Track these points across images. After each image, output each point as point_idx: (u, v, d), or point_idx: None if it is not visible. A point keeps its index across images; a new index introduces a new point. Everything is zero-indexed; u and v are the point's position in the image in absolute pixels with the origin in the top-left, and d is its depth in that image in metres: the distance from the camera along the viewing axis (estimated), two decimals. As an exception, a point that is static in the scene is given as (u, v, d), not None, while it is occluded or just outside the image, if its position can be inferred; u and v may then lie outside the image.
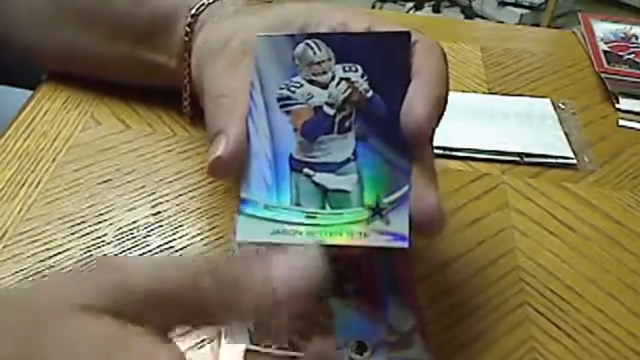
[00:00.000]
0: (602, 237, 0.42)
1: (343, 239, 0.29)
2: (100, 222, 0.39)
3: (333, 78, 0.31)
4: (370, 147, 0.31)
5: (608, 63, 0.59)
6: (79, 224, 0.39)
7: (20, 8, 0.47)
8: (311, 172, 0.31)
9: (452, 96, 0.53)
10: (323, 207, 0.30)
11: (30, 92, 0.49)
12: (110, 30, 0.45)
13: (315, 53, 0.32)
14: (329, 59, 0.32)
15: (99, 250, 0.37)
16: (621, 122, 0.54)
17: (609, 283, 0.39)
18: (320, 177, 0.30)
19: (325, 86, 0.31)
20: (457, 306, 0.37)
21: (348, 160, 0.31)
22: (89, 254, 0.37)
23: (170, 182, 0.42)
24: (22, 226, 0.38)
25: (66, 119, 0.46)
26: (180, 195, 0.41)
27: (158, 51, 0.43)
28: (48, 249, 0.37)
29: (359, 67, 0.31)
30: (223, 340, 0.32)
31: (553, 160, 0.48)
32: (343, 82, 0.31)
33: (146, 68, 0.44)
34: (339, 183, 0.30)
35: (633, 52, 0.60)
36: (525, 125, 0.51)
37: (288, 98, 0.32)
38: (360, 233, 0.29)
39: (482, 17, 2.66)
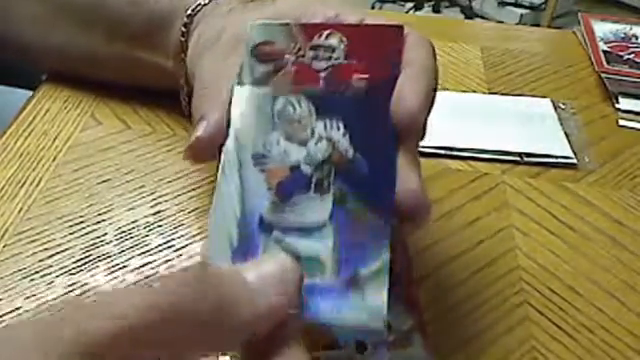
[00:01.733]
0: (602, 237, 0.42)
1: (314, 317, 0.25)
2: (100, 221, 0.39)
3: (313, 134, 0.30)
4: (349, 212, 0.28)
5: (608, 63, 0.59)
6: (79, 223, 0.39)
7: (19, 9, 0.47)
8: (281, 236, 0.28)
9: (452, 96, 0.54)
10: None
11: (30, 92, 0.49)
12: (107, 30, 0.45)
13: (295, 110, 0.30)
14: (310, 115, 0.30)
15: (99, 250, 0.37)
16: (621, 122, 0.54)
17: (609, 282, 0.39)
18: (291, 241, 0.28)
19: (304, 143, 0.30)
20: (457, 305, 0.37)
21: (324, 224, 0.28)
22: (89, 253, 0.37)
23: (170, 182, 0.42)
24: (22, 225, 0.38)
25: (66, 119, 0.46)
26: (180, 194, 0.41)
27: (155, 51, 0.43)
28: (48, 248, 0.37)
29: (341, 124, 0.30)
30: None
31: (553, 160, 0.48)
32: (324, 141, 0.30)
33: (143, 68, 0.44)
34: (312, 249, 0.27)
35: (633, 52, 0.60)
36: (525, 125, 0.51)
37: (263, 156, 0.30)
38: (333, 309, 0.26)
39: (482, 17, 2.66)
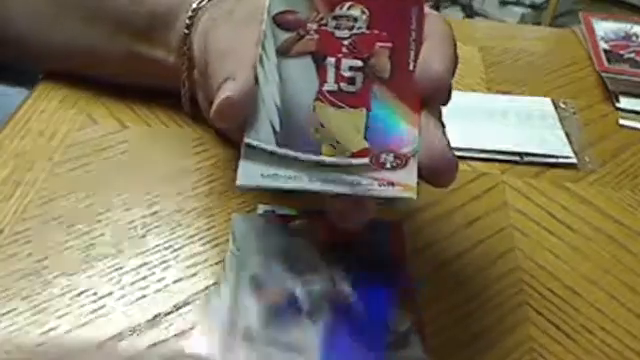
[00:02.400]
0: (602, 237, 0.42)
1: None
2: (97, 222, 0.39)
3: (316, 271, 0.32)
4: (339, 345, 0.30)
5: (609, 62, 0.58)
6: (76, 224, 0.38)
7: (20, 7, 0.47)
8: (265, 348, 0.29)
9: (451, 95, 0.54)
10: None
11: (27, 91, 0.48)
12: (110, 26, 0.45)
13: (314, 280, 0.32)
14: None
15: (96, 250, 0.37)
16: (621, 121, 0.53)
17: (609, 283, 0.39)
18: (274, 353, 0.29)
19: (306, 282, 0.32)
20: (456, 306, 0.36)
21: (312, 348, 0.30)
22: (86, 254, 0.37)
23: (167, 182, 0.42)
24: (18, 226, 0.38)
25: (63, 118, 0.46)
26: (177, 195, 0.41)
27: (157, 47, 0.43)
28: (45, 249, 0.37)
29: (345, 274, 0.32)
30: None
31: (553, 160, 0.48)
32: (326, 281, 0.32)
33: (145, 65, 0.44)
34: None
35: (634, 51, 0.60)
36: (525, 124, 0.51)
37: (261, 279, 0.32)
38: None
39: (483, 16, 2.66)
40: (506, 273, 0.39)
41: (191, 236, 0.38)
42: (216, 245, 0.38)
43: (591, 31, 0.63)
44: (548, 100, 0.54)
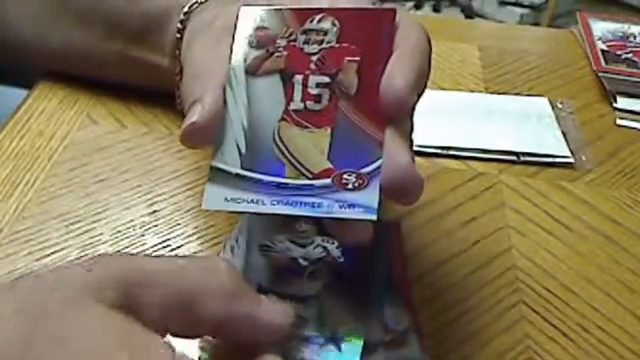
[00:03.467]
0: (599, 236, 0.42)
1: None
2: (96, 221, 0.39)
3: (312, 243, 0.33)
4: (335, 295, 0.32)
5: (606, 62, 0.59)
6: (75, 223, 0.39)
7: (16, 8, 0.47)
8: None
9: (449, 95, 0.54)
10: None
11: (26, 91, 0.49)
12: (105, 28, 0.45)
13: (301, 226, 0.33)
14: (312, 231, 0.33)
15: (95, 249, 0.37)
16: (619, 121, 0.53)
17: (605, 282, 0.39)
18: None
19: (304, 246, 0.33)
20: (453, 305, 0.37)
21: (312, 297, 0.32)
22: (85, 253, 0.37)
23: (166, 181, 0.42)
24: (18, 225, 0.38)
25: (62, 118, 0.46)
26: (176, 194, 0.41)
27: (151, 50, 0.43)
28: (44, 248, 0.37)
29: (336, 242, 0.32)
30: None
31: (550, 159, 0.48)
32: (320, 247, 0.32)
33: (139, 67, 0.44)
34: (300, 311, 0.31)
35: (631, 51, 0.60)
36: (522, 124, 0.51)
37: (269, 248, 0.33)
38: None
39: (482, 16, 2.66)
40: (503, 272, 0.39)
41: (189, 235, 0.39)
42: (214, 244, 0.38)
43: (588, 31, 0.63)
44: (545, 100, 0.54)
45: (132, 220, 0.39)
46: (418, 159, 0.47)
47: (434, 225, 0.42)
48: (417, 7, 2.70)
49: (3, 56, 0.49)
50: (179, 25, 0.40)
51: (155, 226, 0.39)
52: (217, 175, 0.30)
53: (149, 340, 0.23)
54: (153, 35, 0.42)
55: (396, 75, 0.29)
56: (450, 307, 0.36)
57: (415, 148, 0.47)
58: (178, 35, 0.40)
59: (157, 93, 0.46)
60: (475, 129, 0.50)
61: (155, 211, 0.40)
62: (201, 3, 0.40)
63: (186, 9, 0.40)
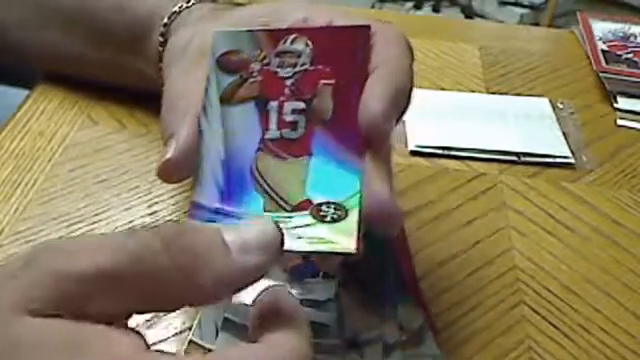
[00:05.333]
0: (600, 237, 0.42)
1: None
2: (96, 222, 0.39)
3: None
4: (350, 296, 0.33)
5: (607, 63, 0.58)
6: (75, 224, 0.39)
7: (3, 13, 0.47)
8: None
9: (449, 95, 0.54)
10: None
11: (27, 92, 0.48)
12: (93, 35, 0.45)
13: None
14: None
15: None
16: (619, 122, 0.53)
17: (607, 283, 0.39)
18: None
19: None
20: (454, 306, 0.37)
21: (329, 300, 0.32)
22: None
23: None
24: (18, 226, 0.38)
25: (62, 119, 0.46)
26: (176, 194, 0.41)
27: (139, 58, 0.43)
28: (44, 249, 0.37)
29: None
30: (190, 336, 0.32)
31: (551, 160, 0.48)
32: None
33: (130, 73, 0.44)
34: (319, 317, 0.32)
35: (632, 52, 0.60)
36: (523, 125, 0.51)
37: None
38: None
39: (482, 17, 2.66)
40: (504, 273, 0.39)
41: (190, 236, 0.38)
42: (215, 245, 0.38)
43: (589, 31, 0.63)
44: (546, 100, 0.54)
45: (132, 220, 0.39)
46: (418, 159, 0.47)
47: (434, 226, 0.42)
48: (417, 7, 2.70)
49: (1, 57, 0.49)
50: (160, 38, 0.40)
51: (155, 226, 0.39)
52: (197, 210, 0.29)
53: (108, 336, 0.21)
54: (139, 44, 0.42)
55: (373, 100, 0.28)
56: (451, 308, 0.36)
57: (415, 148, 0.47)
58: (160, 48, 0.40)
59: (156, 94, 0.46)
60: (475, 129, 0.50)
61: (155, 211, 0.40)
62: (179, 13, 0.40)
63: (165, 19, 0.40)
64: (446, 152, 0.48)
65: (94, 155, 0.43)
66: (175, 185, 0.42)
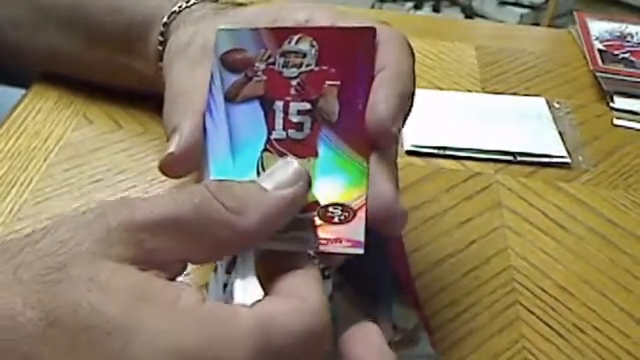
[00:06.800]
0: (595, 237, 0.42)
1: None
2: (91, 222, 0.39)
3: None
4: (345, 297, 0.32)
5: (603, 62, 0.58)
6: (70, 224, 0.38)
7: (2, 12, 0.47)
8: None
9: (446, 95, 0.54)
10: None
11: (22, 91, 0.49)
12: (89, 36, 0.45)
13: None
14: None
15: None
16: (616, 121, 0.53)
17: (602, 283, 0.39)
18: None
19: None
20: (449, 305, 0.37)
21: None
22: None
23: (162, 181, 0.42)
24: (13, 225, 0.38)
25: (58, 118, 0.46)
26: (172, 194, 0.41)
27: (136, 58, 0.43)
28: (38, 249, 0.37)
29: None
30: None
31: (547, 159, 0.48)
32: None
33: (127, 73, 0.44)
34: None
35: (628, 51, 0.60)
36: (519, 124, 0.51)
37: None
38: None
39: (482, 16, 2.66)
40: (499, 272, 0.39)
41: (185, 236, 0.38)
42: (210, 245, 0.38)
43: (586, 31, 0.63)
44: (542, 100, 0.54)
45: (127, 220, 0.39)
46: (414, 159, 0.47)
47: (430, 225, 0.42)
48: (417, 7, 2.70)
49: (1, 58, 0.49)
50: (160, 37, 0.40)
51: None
52: None
53: (174, 290, 0.22)
54: (137, 44, 0.42)
55: (381, 103, 0.29)
56: (446, 307, 0.36)
57: (411, 148, 0.47)
58: (160, 47, 0.40)
59: (152, 94, 0.46)
60: (472, 129, 0.50)
61: (150, 211, 0.40)
62: (179, 12, 0.40)
63: (165, 19, 0.40)
64: (442, 152, 0.48)
65: (89, 155, 0.43)
66: (171, 185, 0.42)
